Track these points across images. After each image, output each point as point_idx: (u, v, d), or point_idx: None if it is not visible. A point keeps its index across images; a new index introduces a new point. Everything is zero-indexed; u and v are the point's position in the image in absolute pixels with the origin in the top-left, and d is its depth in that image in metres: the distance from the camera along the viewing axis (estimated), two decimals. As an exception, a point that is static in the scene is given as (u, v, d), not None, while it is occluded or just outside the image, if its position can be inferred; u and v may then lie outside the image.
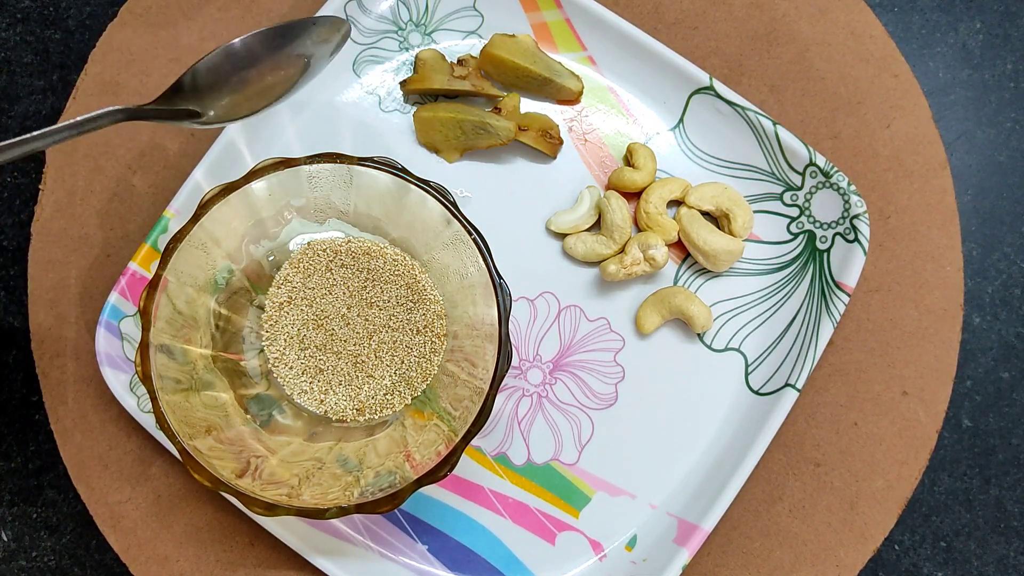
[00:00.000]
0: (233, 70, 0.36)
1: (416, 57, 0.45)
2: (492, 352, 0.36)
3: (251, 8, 0.47)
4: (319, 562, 0.40)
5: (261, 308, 0.40)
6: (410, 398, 0.40)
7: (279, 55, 0.37)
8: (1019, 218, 0.48)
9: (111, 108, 0.34)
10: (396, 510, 0.42)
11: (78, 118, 0.33)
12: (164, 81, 0.46)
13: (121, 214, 0.45)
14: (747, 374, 0.43)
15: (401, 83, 0.45)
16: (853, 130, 0.46)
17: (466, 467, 0.43)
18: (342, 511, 0.35)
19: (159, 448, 0.43)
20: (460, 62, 0.45)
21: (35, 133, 0.32)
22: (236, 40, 0.36)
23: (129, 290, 0.42)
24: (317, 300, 0.40)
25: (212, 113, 0.36)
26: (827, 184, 0.43)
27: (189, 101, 0.36)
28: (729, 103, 0.44)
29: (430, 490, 0.43)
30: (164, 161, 0.45)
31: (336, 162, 0.37)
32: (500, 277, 0.36)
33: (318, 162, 0.37)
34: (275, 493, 0.35)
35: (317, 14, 0.43)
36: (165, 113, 0.35)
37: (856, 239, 0.42)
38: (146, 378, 0.35)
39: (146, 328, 0.35)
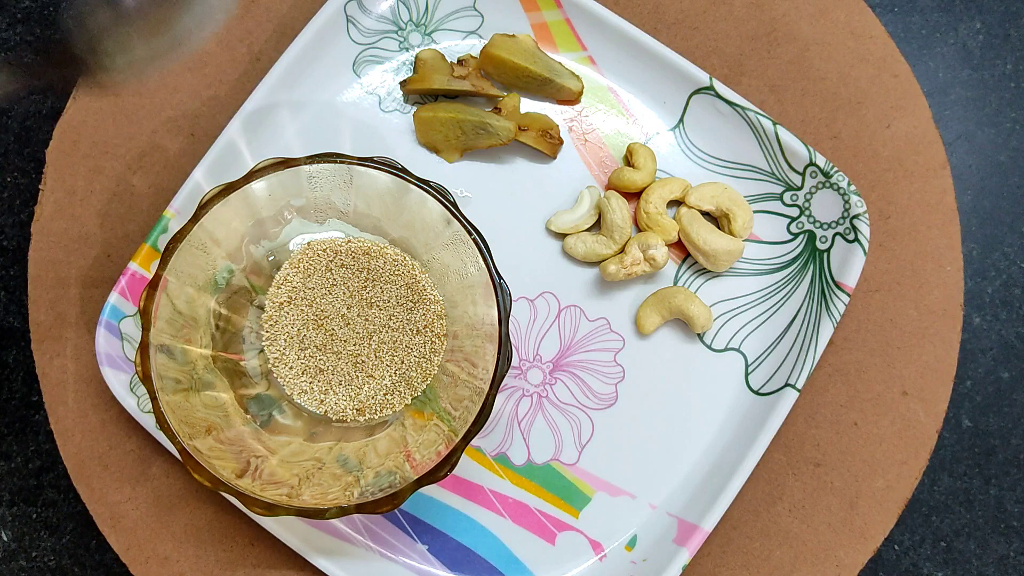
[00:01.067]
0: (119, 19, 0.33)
1: (416, 57, 0.45)
2: (492, 352, 0.36)
3: (251, 8, 0.47)
4: (319, 562, 0.40)
5: (261, 308, 0.40)
6: (410, 398, 0.40)
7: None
8: (1019, 218, 0.48)
9: None
10: (396, 510, 0.42)
11: None
12: (165, 80, 0.46)
13: (121, 214, 0.45)
14: (747, 374, 0.43)
15: (401, 83, 0.45)
16: (853, 130, 0.46)
17: (466, 467, 0.43)
18: (342, 511, 0.35)
19: (159, 448, 0.43)
20: (460, 62, 0.45)
21: None
22: None
23: (129, 290, 0.42)
24: (317, 300, 0.40)
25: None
26: (827, 184, 0.43)
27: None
28: (729, 103, 0.44)
29: (430, 490, 0.43)
30: (164, 161, 0.45)
31: (336, 162, 0.37)
32: (500, 277, 0.36)
33: (318, 162, 0.37)
34: (275, 493, 0.35)
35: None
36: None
37: (856, 239, 0.42)
38: (146, 378, 0.35)
39: (146, 328, 0.35)
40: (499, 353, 0.36)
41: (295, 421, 0.40)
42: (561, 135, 0.45)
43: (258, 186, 0.37)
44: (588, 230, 0.44)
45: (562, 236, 0.44)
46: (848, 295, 0.42)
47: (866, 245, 0.42)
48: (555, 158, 0.45)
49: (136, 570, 0.42)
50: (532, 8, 0.45)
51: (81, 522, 0.45)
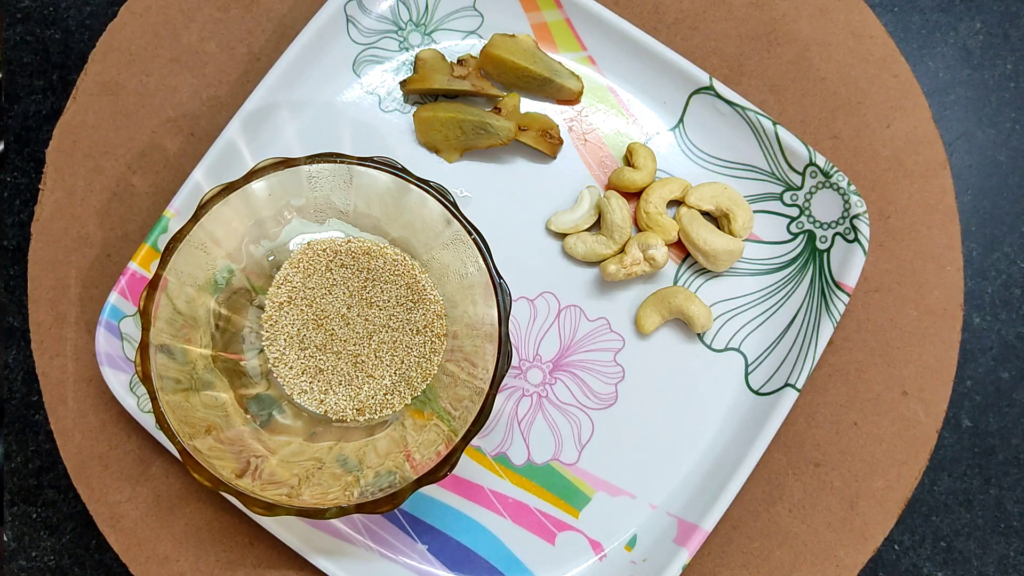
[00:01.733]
0: None
1: (416, 57, 0.45)
2: (492, 352, 0.36)
3: (251, 8, 0.47)
4: (319, 562, 0.40)
5: (261, 308, 0.40)
6: (410, 398, 0.40)
7: None
8: (1019, 218, 0.48)
9: None
10: (396, 510, 0.42)
11: None
12: (164, 81, 0.46)
13: (121, 214, 0.45)
14: (747, 374, 0.43)
15: (401, 83, 0.45)
16: (853, 130, 0.46)
17: (466, 467, 0.43)
18: (342, 511, 0.35)
19: (159, 448, 0.43)
20: (460, 62, 0.45)
21: None
22: None
23: (129, 290, 0.42)
24: (317, 300, 0.40)
25: None
26: (827, 184, 0.43)
27: None
28: (729, 103, 0.44)
29: (430, 490, 0.43)
30: (164, 161, 0.45)
31: (336, 162, 0.37)
32: (500, 277, 0.36)
33: (318, 162, 0.37)
34: (275, 493, 0.35)
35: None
36: None
37: (856, 239, 0.42)
38: (146, 378, 0.35)
39: (146, 328, 0.35)
40: (499, 353, 0.36)
41: (295, 421, 0.40)
42: (561, 135, 0.45)
43: (258, 186, 0.37)
44: (588, 230, 0.44)
45: (562, 236, 0.44)
46: (848, 295, 0.42)
47: (866, 245, 0.42)
48: (555, 158, 0.45)
49: (136, 570, 0.42)
50: (532, 8, 0.45)
51: (81, 522, 0.45)
